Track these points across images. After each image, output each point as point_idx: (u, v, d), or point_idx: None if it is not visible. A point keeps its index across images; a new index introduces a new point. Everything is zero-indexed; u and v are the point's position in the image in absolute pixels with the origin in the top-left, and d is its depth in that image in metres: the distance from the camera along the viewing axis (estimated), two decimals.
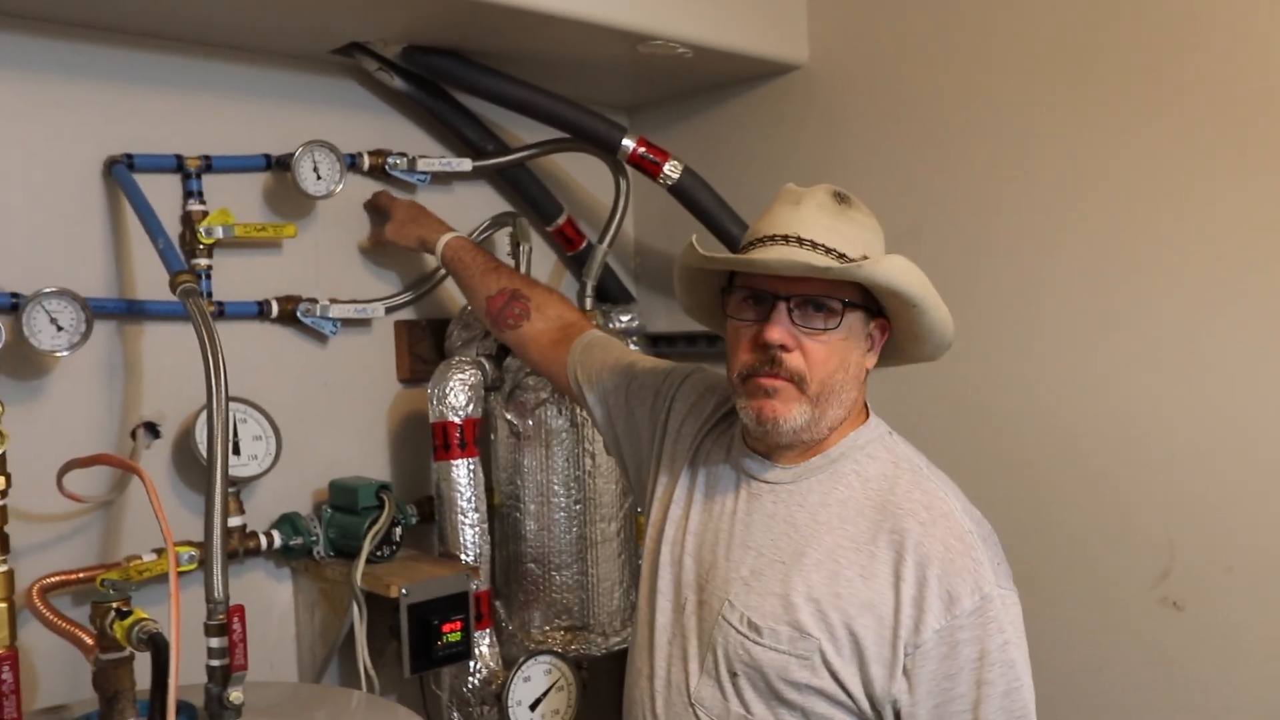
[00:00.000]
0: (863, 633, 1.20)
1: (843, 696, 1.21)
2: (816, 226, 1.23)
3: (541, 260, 2.34)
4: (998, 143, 1.87)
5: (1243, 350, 1.61)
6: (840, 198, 1.27)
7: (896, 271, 1.20)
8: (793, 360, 1.23)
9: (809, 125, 2.16)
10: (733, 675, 1.26)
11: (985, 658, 1.17)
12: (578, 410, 1.99)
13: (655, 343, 2.42)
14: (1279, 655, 1.59)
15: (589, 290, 2.18)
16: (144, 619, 1.30)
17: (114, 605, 1.33)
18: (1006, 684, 1.18)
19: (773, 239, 1.24)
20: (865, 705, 1.21)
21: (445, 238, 1.89)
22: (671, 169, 2.05)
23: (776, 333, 1.22)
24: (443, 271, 2.13)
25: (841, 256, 1.22)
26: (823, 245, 1.22)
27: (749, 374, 1.26)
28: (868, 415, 1.34)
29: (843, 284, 1.23)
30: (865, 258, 1.23)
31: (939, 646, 1.18)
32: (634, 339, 2.19)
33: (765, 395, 1.25)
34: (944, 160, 1.95)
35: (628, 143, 2.03)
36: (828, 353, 1.24)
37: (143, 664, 1.33)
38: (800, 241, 1.22)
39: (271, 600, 1.96)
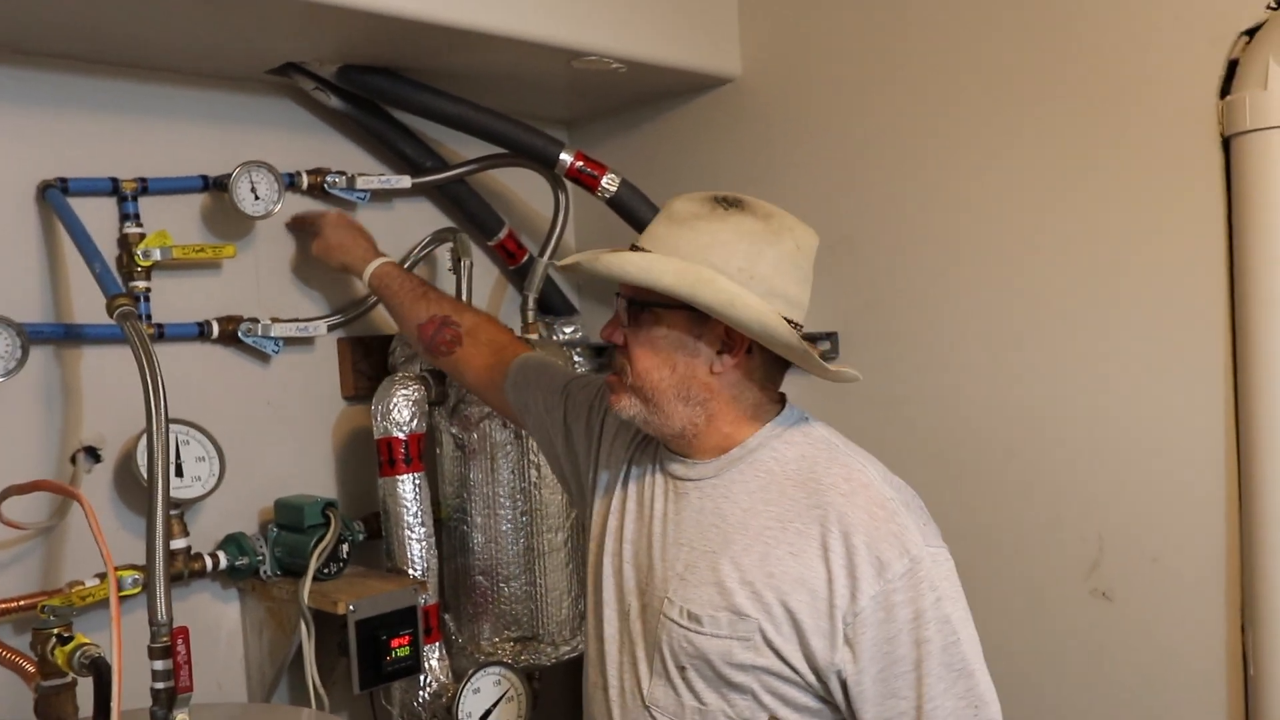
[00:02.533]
0: (798, 608, 1.23)
1: (788, 672, 1.24)
2: (650, 234, 1.30)
3: (484, 275, 2.36)
4: (926, 151, 1.91)
5: (1164, 350, 1.66)
6: (725, 203, 1.27)
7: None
8: (619, 355, 1.33)
9: (742, 136, 2.20)
10: (681, 669, 1.29)
11: (920, 617, 1.21)
12: None
13: (599, 353, 2.44)
14: (1199, 639, 1.65)
15: (531, 303, 2.20)
16: (85, 644, 1.30)
17: (55, 631, 1.33)
18: (944, 639, 1.21)
19: (634, 246, 1.32)
20: (811, 678, 1.24)
21: (371, 266, 1.86)
22: (609, 182, 2.08)
23: (605, 327, 1.34)
24: None
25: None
26: (645, 250, 1.28)
27: None
28: (782, 407, 1.37)
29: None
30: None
31: (876, 612, 1.21)
32: (577, 350, 2.22)
33: (608, 386, 1.37)
34: (873, 169, 1.99)
35: (565, 157, 2.06)
36: (642, 351, 1.31)
37: (86, 690, 1.33)
38: (634, 248, 1.30)
39: (219, 621, 1.95)
